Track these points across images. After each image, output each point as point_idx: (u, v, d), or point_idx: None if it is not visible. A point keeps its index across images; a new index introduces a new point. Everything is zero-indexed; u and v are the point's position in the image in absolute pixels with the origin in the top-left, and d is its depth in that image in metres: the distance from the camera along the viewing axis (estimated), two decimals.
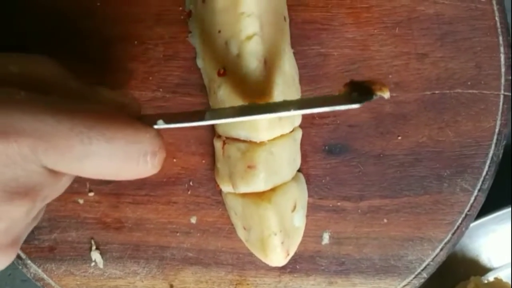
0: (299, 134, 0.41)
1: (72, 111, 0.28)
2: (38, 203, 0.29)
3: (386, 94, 0.31)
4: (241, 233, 0.41)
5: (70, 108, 0.28)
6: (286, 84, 0.38)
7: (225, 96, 0.37)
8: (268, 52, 0.37)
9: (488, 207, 0.46)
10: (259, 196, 0.38)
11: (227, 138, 0.39)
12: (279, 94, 0.37)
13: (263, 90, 0.36)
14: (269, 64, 0.37)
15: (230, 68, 0.37)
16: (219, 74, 0.37)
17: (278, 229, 0.38)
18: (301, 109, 0.32)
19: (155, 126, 0.31)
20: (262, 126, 0.37)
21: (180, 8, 0.41)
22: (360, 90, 0.32)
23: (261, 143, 0.38)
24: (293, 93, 0.39)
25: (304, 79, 0.41)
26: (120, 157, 0.29)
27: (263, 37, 0.36)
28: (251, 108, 0.34)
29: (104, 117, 0.29)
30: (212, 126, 0.41)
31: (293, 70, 0.40)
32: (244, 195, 0.39)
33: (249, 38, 0.36)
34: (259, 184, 0.38)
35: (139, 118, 0.31)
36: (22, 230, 0.30)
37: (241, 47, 0.36)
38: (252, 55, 0.36)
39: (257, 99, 0.36)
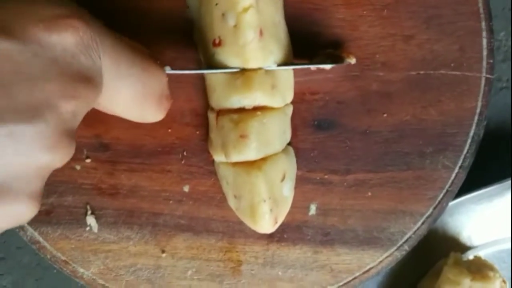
0: (290, 109, 0.43)
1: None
2: (91, 101, 0.31)
3: (353, 60, 0.41)
4: (232, 202, 0.43)
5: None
6: (282, 52, 0.40)
7: (220, 63, 0.39)
8: (264, 23, 0.39)
9: (469, 188, 0.48)
10: (250, 165, 0.40)
11: (220, 110, 0.41)
12: (273, 61, 0.39)
13: (259, 59, 0.38)
14: (265, 33, 0.39)
15: (226, 39, 0.39)
16: (214, 44, 0.39)
17: (267, 197, 0.40)
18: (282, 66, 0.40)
19: (171, 71, 0.37)
20: (255, 87, 0.39)
21: None
22: (331, 58, 0.41)
23: (254, 114, 0.40)
24: (288, 61, 0.41)
25: (295, 57, 0.43)
26: (148, 88, 0.33)
27: (258, 9, 0.38)
28: None
29: (143, 51, 0.35)
30: (206, 99, 0.43)
31: (288, 39, 0.42)
32: (236, 164, 0.41)
33: (245, 10, 0.38)
34: (250, 153, 0.40)
35: None
36: (76, 125, 0.31)
37: (238, 19, 0.38)
38: (249, 26, 0.38)
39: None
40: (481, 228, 0.51)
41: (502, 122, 0.54)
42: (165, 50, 0.43)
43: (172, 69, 0.38)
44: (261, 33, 0.38)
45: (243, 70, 0.39)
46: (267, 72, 0.39)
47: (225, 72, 0.39)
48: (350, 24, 0.43)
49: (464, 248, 0.51)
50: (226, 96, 0.40)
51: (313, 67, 0.42)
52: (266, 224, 0.40)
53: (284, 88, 0.41)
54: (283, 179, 0.41)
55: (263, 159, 0.40)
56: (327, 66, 0.41)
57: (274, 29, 0.40)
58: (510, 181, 0.49)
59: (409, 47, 0.43)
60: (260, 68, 0.39)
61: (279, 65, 0.40)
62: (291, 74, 0.42)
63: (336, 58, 0.41)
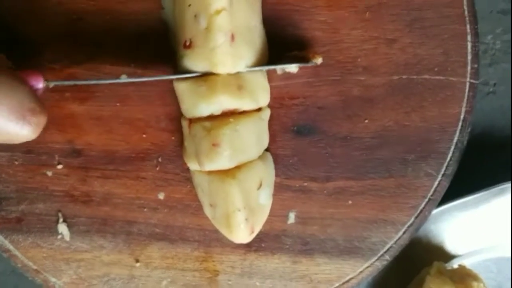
0: (266, 113, 0.41)
1: None
2: None
3: (319, 60, 0.41)
4: (207, 211, 0.41)
5: None
6: (255, 57, 0.39)
7: (189, 67, 0.38)
8: (237, 28, 0.37)
9: (454, 195, 0.47)
10: (225, 173, 0.39)
11: (192, 118, 0.40)
12: (244, 66, 0.38)
13: (228, 64, 0.37)
14: (237, 38, 0.37)
15: (197, 41, 0.37)
16: (184, 46, 0.38)
17: (242, 206, 0.39)
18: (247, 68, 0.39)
19: (46, 83, 0.36)
20: (219, 91, 0.38)
21: None
22: (299, 60, 0.41)
23: (226, 121, 0.38)
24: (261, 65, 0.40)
25: (272, 60, 0.41)
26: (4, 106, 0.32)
27: (232, 12, 0.37)
28: None
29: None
30: None
31: (264, 44, 0.40)
32: (211, 172, 0.39)
33: (217, 12, 0.36)
34: (223, 161, 0.38)
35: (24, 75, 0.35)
36: None
37: (209, 21, 0.36)
38: (219, 29, 0.36)
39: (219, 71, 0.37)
40: (466, 237, 0.50)
41: (488, 127, 0.52)
42: (139, 52, 0.41)
43: (50, 81, 0.37)
44: (232, 37, 0.37)
45: (206, 77, 0.38)
46: (231, 75, 0.38)
47: (114, 82, 0.40)
48: (331, 27, 0.42)
49: (449, 257, 0.50)
50: (194, 104, 0.38)
51: (278, 68, 0.41)
52: (241, 234, 0.39)
53: (253, 88, 0.39)
54: (259, 186, 0.40)
55: (238, 167, 0.39)
56: (293, 68, 0.40)
57: (249, 34, 0.38)
58: (496, 188, 0.48)
59: (392, 51, 0.42)
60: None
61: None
62: (263, 75, 0.40)
63: (302, 59, 0.40)
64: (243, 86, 0.38)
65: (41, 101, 0.35)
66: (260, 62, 0.39)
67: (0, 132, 0.33)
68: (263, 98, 0.40)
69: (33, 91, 0.35)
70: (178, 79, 0.39)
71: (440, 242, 0.50)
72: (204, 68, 0.38)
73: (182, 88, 0.39)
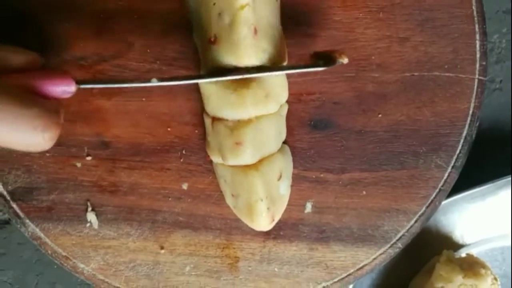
0: (285, 109, 0.44)
1: None
2: None
3: (345, 60, 0.42)
4: (229, 200, 0.44)
5: None
6: (275, 51, 0.41)
7: (215, 62, 0.40)
8: (259, 22, 0.39)
9: (462, 187, 0.49)
10: (247, 165, 0.41)
11: (215, 116, 0.42)
12: (266, 60, 0.40)
13: (252, 56, 0.39)
14: (259, 32, 0.39)
15: (221, 36, 0.39)
16: (209, 42, 0.40)
17: (264, 196, 0.41)
18: (273, 71, 0.40)
19: (81, 86, 0.37)
20: (248, 103, 0.40)
21: None
22: (324, 59, 0.42)
23: (248, 121, 0.40)
24: (282, 61, 0.42)
25: (292, 58, 0.44)
26: (9, 127, 0.33)
27: (255, 7, 0.39)
28: (221, 72, 0.40)
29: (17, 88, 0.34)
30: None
31: (283, 41, 0.42)
32: (233, 165, 0.42)
33: (242, 7, 0.38)
34: (246, 158, 0.40)
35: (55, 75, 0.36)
36: None
37: (233, 16, 0.38)
38: (243, 23, 0.38)
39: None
40: (474, 227, 0.52)
41: (495, 122, 0.55)
42: (165, 50, 0.44)
43: (81, 84, 0.37)
44: (255, 31, 0.39)
45: (235, 83, 0.40)
46: (259, 83, 0.40)
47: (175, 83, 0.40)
48: (346, 26, 0.44)
49: (457, 246, 0.52)
50: (221, 108, 0.41)
51: (306, 70, 0.43)
52: (263, 222, 0.41)
53: (277, 92, 0.42)
54: (279, 178, 0.42)
55: (260, 160, 0.41)
56: (320, 69, 0.42)
57: (269, 30, 0.40)
58: (502, 180, 0.50)
59: (404, 49, 0.44)
60: (251, 82, 0.40)
61: (273, 65, 0.41)
62: (284, 76, 0.43)
63: (329, 59, 0.42)
64: (269, 94, 0.40)
65: (55, 112, 0.35)
66: (279, 59, 0.41)
67: (12, 144, 0.34)
68: (284, 96, 0.43)
69: (46, 105, 0.35)
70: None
71: (449, 232, 0.52)
72: (230, 61, 0.39)
73: (209, 91, 0.41)
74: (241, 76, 0.39)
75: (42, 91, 0.35)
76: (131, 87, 0.43)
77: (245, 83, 0.40)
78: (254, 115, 0.41)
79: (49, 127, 0.34)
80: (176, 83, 0.40)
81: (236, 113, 0.40)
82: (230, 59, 0.39)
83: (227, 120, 0.41)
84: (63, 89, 0.36)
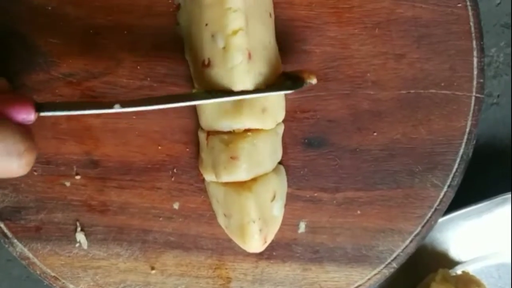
0: (281, 128, 0.43)
1: None
2: None
3: (314, 81, 0.39)
4: (221, 220, 0.43)
5: None
6: (272, 73, 0.40)
7: (208, 86, 0.39)
8: (253, 46, 0.38)
9: (457, 203, 0.49)
10: (241, 185, 0.40)
11: (210, 131, 0.41)
12: (262, 81, 0.39)
13: (247, 82, 0.38)
14: (254, 56, 0.39)
15: (215, 60, 0.39)
16: (203, 65, 0.39)
17: (257, 217, 0.40)
18: (248, 95, 0.38)
19: (41, 114, 0.35)
20: (244, 113, 0.39)
21: (170, 1, 0.42)
22: (293, 79, 0.39)
23: (244, 135, 0.40)
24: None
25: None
26: None
27: (248, 31, 0.38)
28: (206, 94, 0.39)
29: None
30: (197, 117, 0.42)
31: (279, 62, 0.42)
32: (226, 184, 0.41)
33: (234, 32, 0.37)
34: (241, 174, 0.40)
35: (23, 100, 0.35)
36: None
37: (227, 41, 0.38)
38: (237, 49, 0.38)
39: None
40: (470, 244, 0.51)
41: (492, 138, 0.54)
42: (156, 67, 0.43)
43: (43, 111, 0.35)
44: (249, 56, 0.38)
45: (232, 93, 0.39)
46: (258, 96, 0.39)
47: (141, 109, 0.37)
48: (341, 43, 0.43)
49: (452, 263, 0.51)
50: (216, 119, 0.40)
51: (272, 94, 0.40)
52: (255, 244, 0.41)
53: (275, 110, 0.41)
54: (273, 198, 0.42)
55: (254, 180, 0.40)
56: (288, 92, 0.40)
57: (264, 51, 0.40)
58: (499, 198, 0.50)
59: (400, 66, 0.44)
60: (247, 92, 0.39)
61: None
62: (282, 95, 0.42)
63: (297, 80, 0.39)
64: (266, 109, 0.40)
65: (29, 136, 0.34)
66: (274, 77, 0.41)
67: None
68: (281, 115, 0.42)
69: (19, 129, 0.34)
70: (199, 92, 0.40)
71: (444, 249, 0.51)
72: (224, 85, 0.39)
73: (208, 104, 0.40)
74: (212, 101, 0.39)
75: (6, 117, 0.34)
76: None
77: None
78: (249, 127, 0.40)
79: (25, 152, 0.34)
80: (141, 109, 0.37)
81: (231, 123, 0.40)
82: (224, 83, 0.39)
83: (222, 133, 0.40)
84: (23, 116, 0.35)
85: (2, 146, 0.33)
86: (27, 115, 0.35)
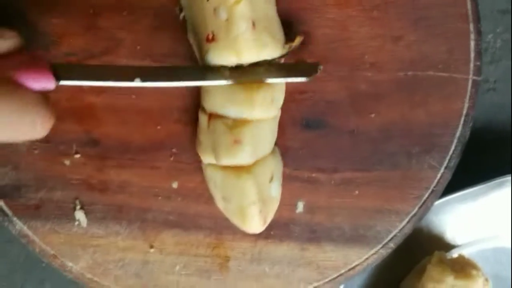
0: (280, 111, 0.43)
1: None
2: None
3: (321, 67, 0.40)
4: (220, 203, 0.43)
5: None
6: (277, 46, 0.40)
7: (214, 60, 0.39)
8: (256, 16, 0.38)
9: (454, 187, 0.49)
10: (239, 168, 0.40)
11: (213, 113, 0.41)
12: (267, 55, 0.39)
13: (253, 51, 0.39)
14: (258, 26, 0.39)
15: (219, 33, 0.39)
16: (207, 40, 0.39)
17: (257, 199, 0.40)
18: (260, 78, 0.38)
19: (61, 83, 0.34)
20: (256, 104, 0.39)
21: None
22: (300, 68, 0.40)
23: (249, 120, 0.40)
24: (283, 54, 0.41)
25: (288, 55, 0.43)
26: (13, 115, 0.32)
27: (251, 1, 0.38)
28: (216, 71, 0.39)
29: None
30: (198, 96, 0.43)
31: (281, 34, 0.42)
32: (225, 167, 0.41)
33: (237, 1, 0.37)
34: (244, 158, 0.40)
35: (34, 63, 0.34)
36: None
37: (230, 12, 0.38)
38: (241, 18, 0.38)
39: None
40: (466, 227, 0.52)
41: (488, 123, 0.54)
42: (156, 47, 0.43)
43: (61, 80, 0.35)
44: (253, 25, 0.38)
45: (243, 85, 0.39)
46: (269, 86, 0.39)
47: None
48: (339, 24, 0.44)
49: (449, 247, 0.52)
50: (225, 104, 0.40)
51: (290, 80, 0.41)
52: (255, 225, 0.41)
53: (280, 98, 0.41)
54: (271, 179, 0.42)
55: (253, 162, 0.41)
56: (302, 80, 0.40)
57: (268, 23, 0.40)
58: (495, 181, 0.50)
59: (398, 48, 0.44)
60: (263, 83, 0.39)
61: (273, 59, 0.40)
62: (284, 82, 0.42)
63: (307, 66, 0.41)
64: (274, 98, 0.40)
65: (45, 105, 0.34)
66: (279, 50, 0.41)
67: (5, 134, 0.33)
68: (282, 100, 0.42)
69: (35, 99, 0.33)
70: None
71: (440, 233, 0.52)
72: (230, 58, 0.39)
73: (215, 86, 0.40)
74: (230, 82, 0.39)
75: (24, 86, 0.33)
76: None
77: (254, 84, 0.39)
78: (258, 117, 0.40)
79: (40, 122, 0.33)
80: (163, 85, 0.38)
81: (241, 112, 0.40)
82: (230, 56, 0.39)
83: (227, 118, 0.40)
84: (42, 85, 0.34)
85: (17, 118, 0.32)
86: (47, 84, 0.34)
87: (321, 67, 0.40)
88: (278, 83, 0.41)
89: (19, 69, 0.33)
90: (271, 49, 0.40)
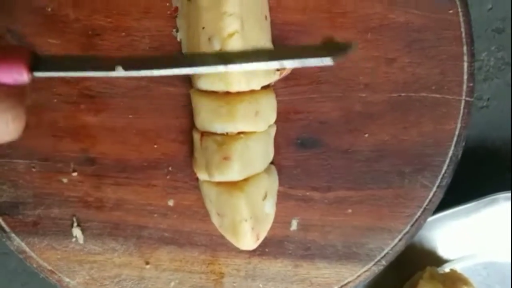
0: (273, 130, 0.44)
1: None
2: None
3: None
4: (215, 219, 0.44)
5: None
6: (267, 74, 0.41)
7: (206, 85, 0.40)
8: (250, 47, 0.39)
9: (446, 203, 0.50)
10: (233, 185, 0.41)
11: (204, 131, 0.42)
12: (256, 84, 0.40)
13: (242, 82, 0.39)
14: None
15: None
16: None
17: (249, 216, 0.41)
18: (275, 60, 0.32)
19: (35, 74, 0.31)
20: (238, 117, 0.40)
21: (167, 4, 0.43)
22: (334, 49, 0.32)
23: (237, 137, 0.40)
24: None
25: (280, 79, 0.43)
26: None
27: (244, 34, 0.39)
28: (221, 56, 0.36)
29: None
30: (192, 117, 0.43)
31: None
32: (219, 183, 0.42)
33: (230, 35, 0.38)
34: (233, 174, 0.41)
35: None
36: None
37: (223, 44, 0.38)
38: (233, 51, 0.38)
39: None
40: (458, 242, 0.52)
41: (481, 140, 0.55)
42: None
43: (37, 71, 0.31)
44: None
45: (227, 97, 0.40)
46: (251, 99, 0.40)
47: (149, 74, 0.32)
48: None
49: (441, 262, 0.53)
50: (210, 121, 0.40)
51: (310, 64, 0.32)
52: (248, 242, 0.42)
53: (267, 112, 0.42)
54: (265, 197, 0.43)
55: (245, 180, 0.41)
56: (329, 62, 0.31)
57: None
58: (487, 198, 0.51)
59: (392, 70, 0.44)
60: (244, 93, 0.40)
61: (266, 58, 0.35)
62: (273, 97, 0.43)
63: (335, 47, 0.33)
64: (259, 112, 0.40)
65: (18, 102, 0.31)
66: (269, 78, 0.41)
67: None
68: (273, 117, 0.43)
69: (7, 95, 0.30)
70: (197, 94, 0.41)
71: (433, 248, 0.53)
72: (220, 87, 0.40)
73: (201, 103, 0.41)
74: (223, 69, 0.33)
75: None
76: (117, 101, 0.43)
77: (237, 97, 0.40)
78: (242, 130, 0.41)
79: (12, 120, 0.30)
80: (144, 75, 0.32)
81: (225, 127, 0.40)
82: (220, 85, 0.39)
83: (216, 134, 0.41)
84: (14, 77, 0.30)
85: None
86: (19, 76, 0.30)
87: (357, 43, 0.36)
88: (264, 97, 0.41)
89: None
90: (261, 78, 0.41)
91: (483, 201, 0.51)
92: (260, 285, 0.46)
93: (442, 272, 0.52)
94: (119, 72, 0.31)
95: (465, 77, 0.45)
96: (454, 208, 0.51)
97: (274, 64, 0.33)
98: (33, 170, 0.44)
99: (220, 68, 0.32)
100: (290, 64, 0.32)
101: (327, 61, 0.31)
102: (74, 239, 0.45)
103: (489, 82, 0.55)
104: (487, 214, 0.52)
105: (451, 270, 0.52)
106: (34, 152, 0.44)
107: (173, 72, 0.32)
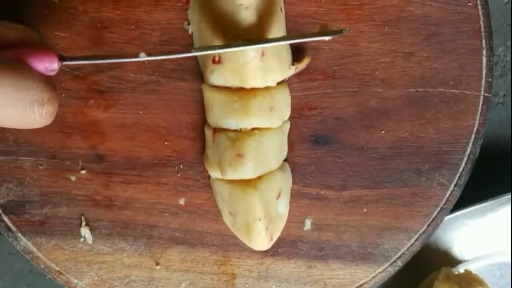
0: (287, 126, 0.43)
1: None
2: None
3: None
4: (227, 218, 0.43)
5: None
6: (283, 69, 0.40)
7: (217, 81, 0.38)
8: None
9: (462, 202, 0.49)
10: (246, 183, 0.40)
11: (217, 127, 0.41)
12: (272, 80, 0.39)
13: (258, 78, 0.38)
14: (267, 53, 0.38)
15: (227, 56, 0.38)
16: (213, 62, 0.39)
17: (262, 215, 0.40)
18: (281, 41, 0.38)
19: (64, 63, 0.35)
20: (252, 112, 0.39)
21: None
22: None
23: (251, 133, 0.39)
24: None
25: (295, 74, 0.42)
26: (2, 104, 0.31)
27: (259, 27, 0.37)
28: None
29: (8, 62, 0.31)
30: (204, 112, 0.42)
31: (290, 55, 0.41)
32: (232, 181, 0.41)
33: (246, 29, 0.37)
34: (247, 172, 0.39)
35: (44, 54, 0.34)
36: None
37: (238, 37, 0.37)
38: None
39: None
40: (473, 243, 0.51)
41: (497, 137, 0.54)
42: (163, 62, 0.42)
43: (65, 60, 0.35)
44: (262, 53, 0.38)
45: (240, 92, 0.39)
46: (266, 94, 0.39)
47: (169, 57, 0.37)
48: (350, 40, 0.43)
49: (456, 262, 0.51)
50: (223, 117, 0.39)
51: (311, 39, 0.39)
52: (261, 242, 0.40)
53: (281, 108, 0.41)
54: (278, 196, 0.41)
55: (259, 178, 0.40)
56: (326, 38, 0.37)
57: (277, 47, 0.39)
58: (503, 198, 0.50)
59: (409, 64, 0.43)
60: (258, 88, 0.39)
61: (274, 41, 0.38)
62: (288, 92, 0.42)
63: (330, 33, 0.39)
64: (274, 107, 0.39)
65: (52, 87, 0.33)
66: (285, 74, 0.40)
67: (10, 121, 0.32)
68: (287, 113, 0.42)
69: (43, 79, 0.33)
70: (209, 89, 0.40)
71: (448, 248, 0.52)
72: (234, 82, 0.39)
73: (214, 98, 0.40)
74: (239, 48, 0.37)
75: (30, 66, 0.33)
76: (127, 96, 0.42)
77: (251, 92, 0.39)
78: (256, 126, 0.39)
79: (48, 102, 0.33)
80: (167, 57, 0.38)
81: (239, 122, 0.39)
82: (234, 80, 0.38)
83: (229, 131, 0.40)
84: (46, 65, 0.34)
85: (25, 95, 0.32)
86: (50, 64, 0.34)
87: (349, 29, 0.37)
88: (279, 92, 0.40)
89: (24, 48, 0.33)
90: (277, 73, 0.39)
91: (499, 200, 0.50)
92: (273, 287, 0.45)
93: (457, 272, 0.51)
94: (144, 57, 0.35)
95: (484, 72, 0.44)
96: (469, 207, 0.50)
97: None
98: (40, 167, 0.43)
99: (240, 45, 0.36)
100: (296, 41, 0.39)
101: (324, 38, 0.37)
102: (82, 239, 0.44)
103: (505, 77, 0.54)
104: (503, 213, 0.51)
105: (466, 270, 0.51)
106: (41, 149, 0.43)
107: (194, 54, 0.37)
